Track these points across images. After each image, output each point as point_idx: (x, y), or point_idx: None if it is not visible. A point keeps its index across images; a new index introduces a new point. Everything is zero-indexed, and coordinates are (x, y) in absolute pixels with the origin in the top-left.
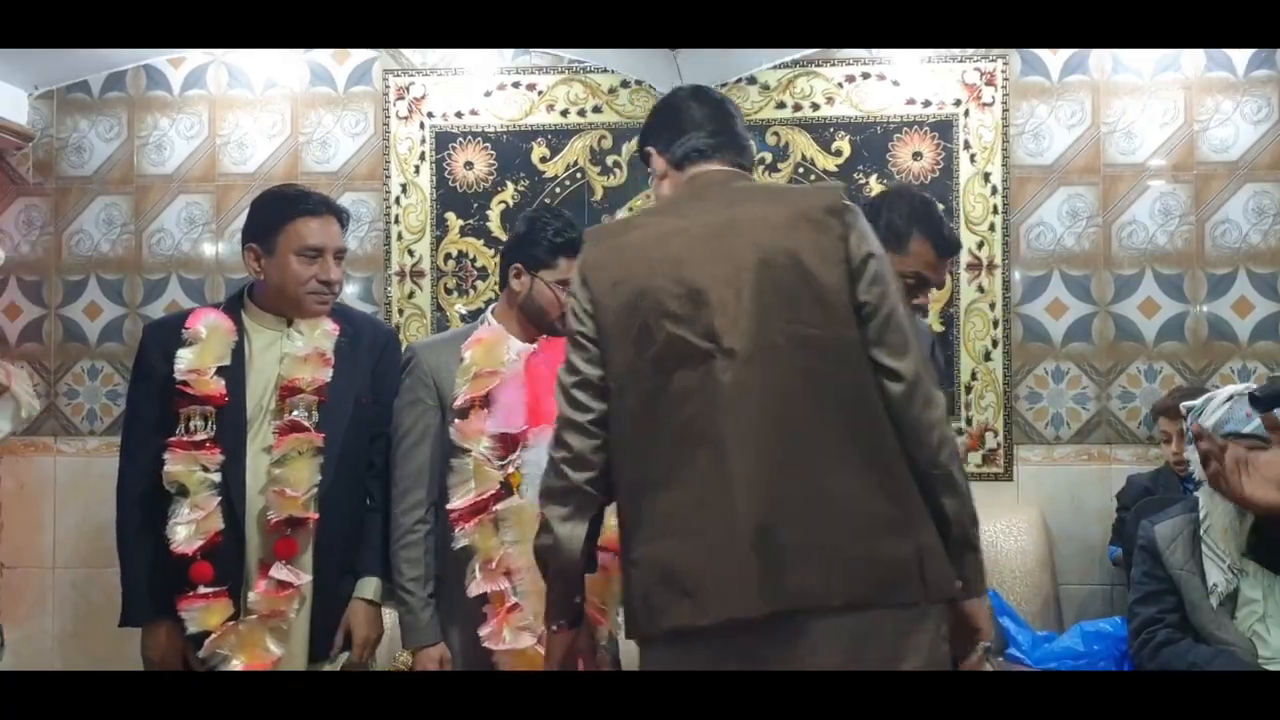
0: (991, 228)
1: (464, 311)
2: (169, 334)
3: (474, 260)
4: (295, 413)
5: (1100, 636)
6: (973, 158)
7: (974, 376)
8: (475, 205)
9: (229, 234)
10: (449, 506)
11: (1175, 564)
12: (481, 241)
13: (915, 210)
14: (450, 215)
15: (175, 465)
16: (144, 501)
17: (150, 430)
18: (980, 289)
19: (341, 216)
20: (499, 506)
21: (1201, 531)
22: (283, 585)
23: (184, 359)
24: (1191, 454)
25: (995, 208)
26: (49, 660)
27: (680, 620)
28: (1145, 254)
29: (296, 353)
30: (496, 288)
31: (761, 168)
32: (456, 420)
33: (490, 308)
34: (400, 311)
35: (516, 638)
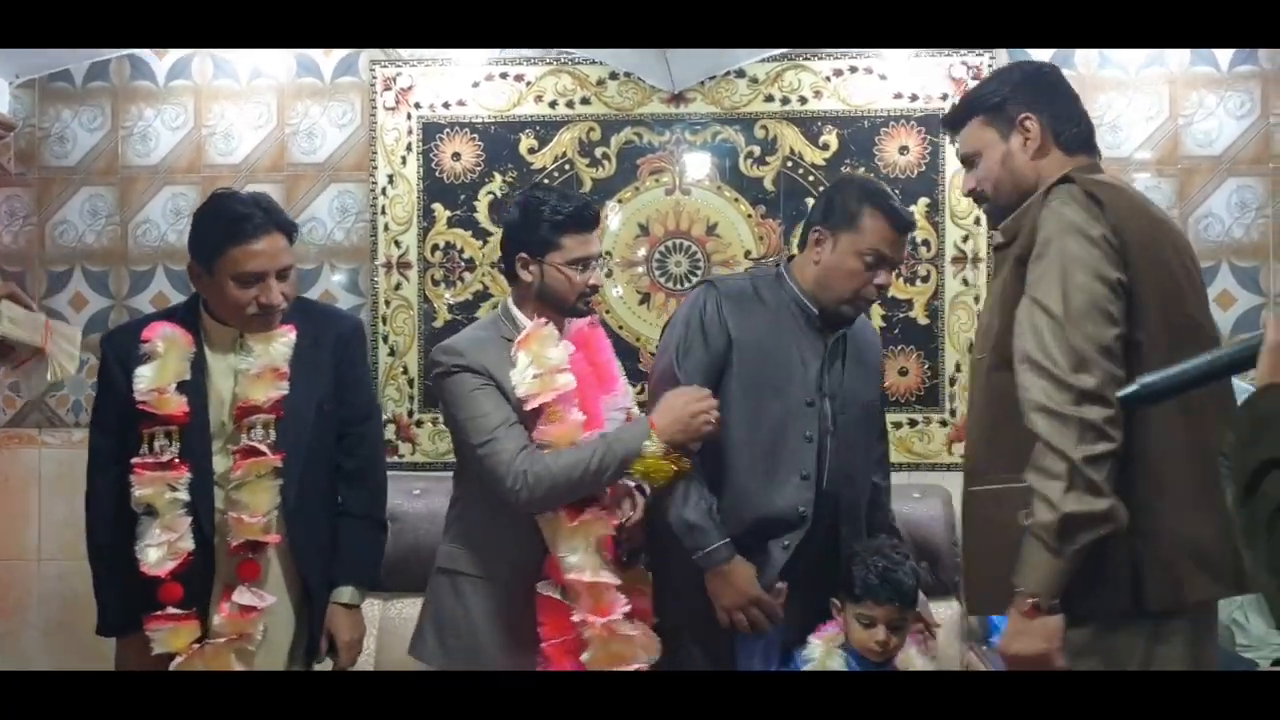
0: (976, 221)
1: (451, 302)
2: (126, 345)
3: (461, 251)
4: (252, 433)
5: None
6: (958, 152)
7: (959, 369)
8: (463, 196)
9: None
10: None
11: None
12: (469, 233)
13: (864, 189)
14: (438, 206)
15: (144, 488)
16: (114, 512)
17: (115, 444)
18: (965, 282)
19: (289, 231)
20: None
21: None
22: (246, 609)
23: (143, 377)
24: None
25: None
26: (35, 653)
27: (1203, 594)
28: None
29: (250, 370)
30: (484, 280)
31: (750, 161)
32: (539, 424)
33: (506, 300)
34: (387, 303)
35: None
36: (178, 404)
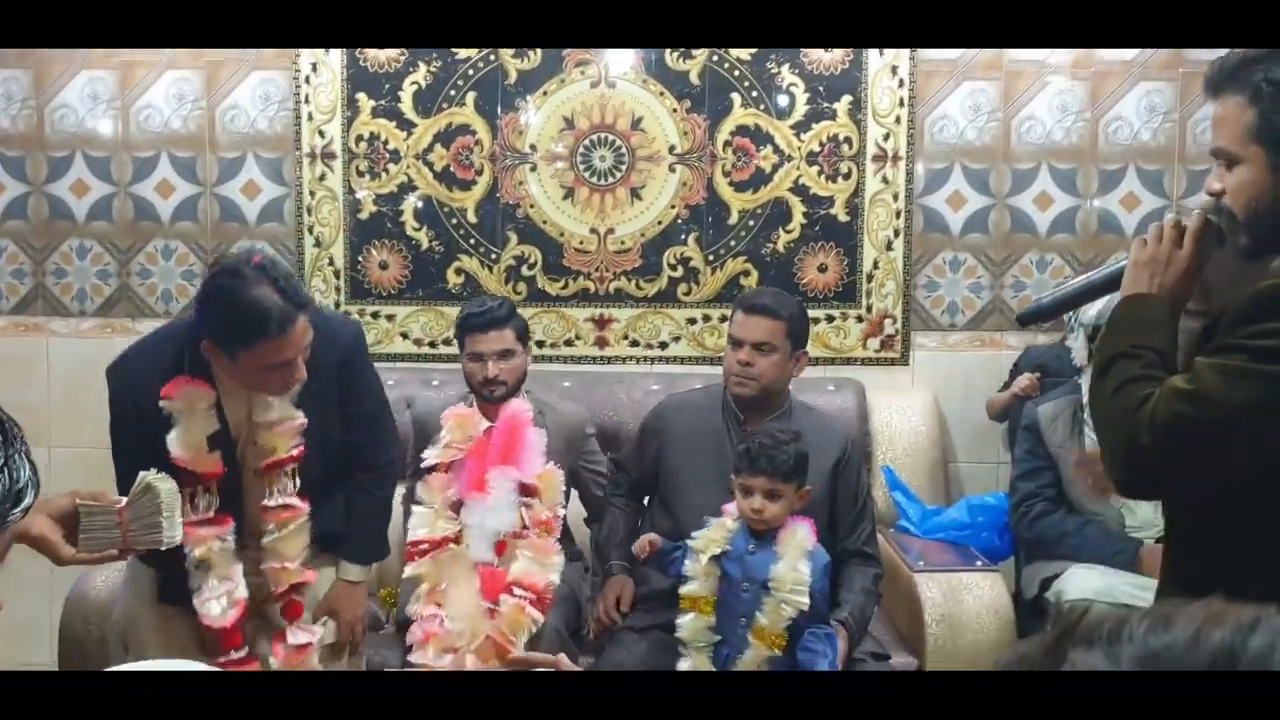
0: (897, 120)
1: (375, 195)
2: (132, 374)
3: (386, 142)
4: (281, 491)
5: (985, 509)
6: (881, 51)
7: (875, 265)
8: (387, 86)
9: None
10: (410, 539)
11: (1055, 442)
12: (394, 123)
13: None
14: (361, 96)
15: (198, 546)
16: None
17: (140, 461)
18: (884, 180)
19: (307, 307)
20: (443, 552)
21: (1085, 414)
22: (300, 647)
23: (177, 441)
24: (1074, 341)
25: (902, 100)
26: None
27: None
28: (1042, 149)
29: (270, 422)
30: (408, 172)
31: (676, 54)
32: (426, 476)
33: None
34: (312, 194)
35: (440, 657)
36: (212, 462)
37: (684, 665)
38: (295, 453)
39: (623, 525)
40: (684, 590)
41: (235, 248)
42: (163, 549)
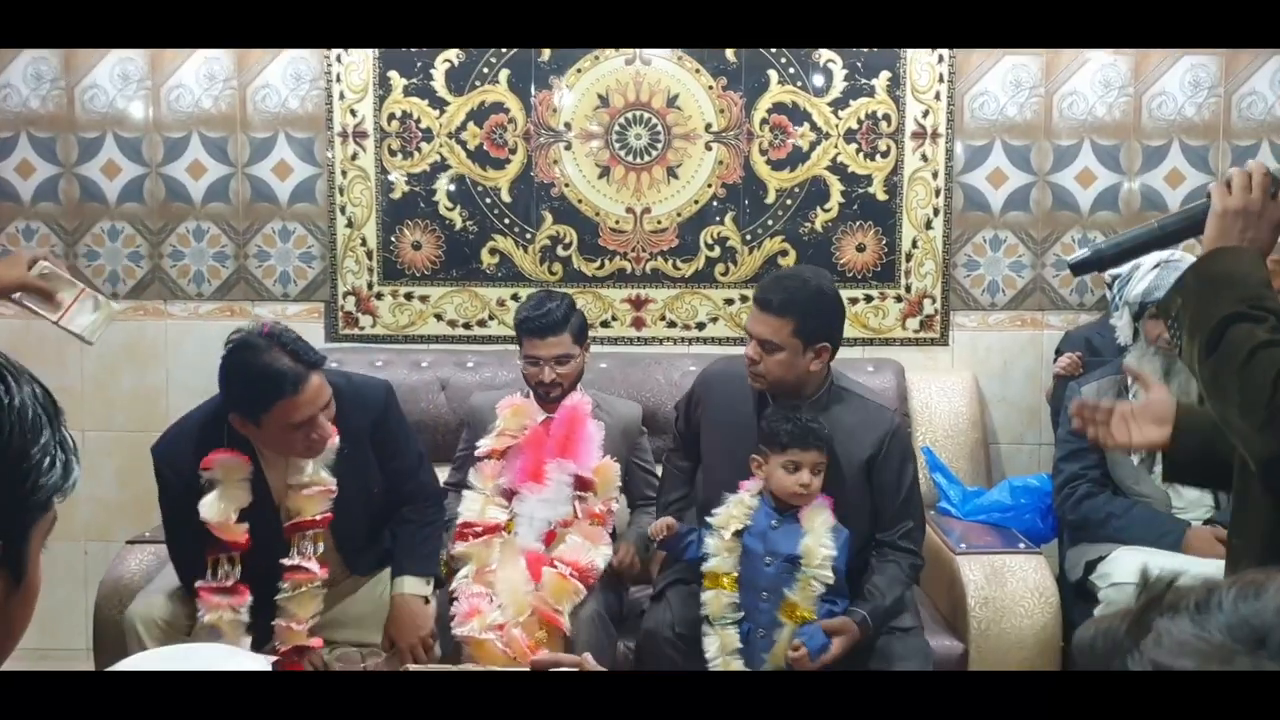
0: (937, 96)
1: (409, 173)
2: (174, 451)
3: (418, 121)
4: (301, 553)
5: (1027, 491)
6: None
7: (914, 244)
8: (419, 64)
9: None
10: (461, 521)
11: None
12: (426, 102)
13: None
14: (393, 74)
15: (210, 613)
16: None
17: (192, 534)
18: (924, 158)
19: (321, 365)
20: (494, 537)
21: (1130, 394)
22: None
23: (209, 508)
24: (1118, 320)
25: (941, 76)
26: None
27: None
28: (1084, 125)
29: (301, 485)
30: (441, 151)
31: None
32: (479, 462)
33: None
34: (344, 173)
35: (485, 632)
36: (239, 532)
37: (708, 641)
38: (320, 517)
39: (674, 484)
40: (706, 567)
41: (247, 323)
42: (95, 312)
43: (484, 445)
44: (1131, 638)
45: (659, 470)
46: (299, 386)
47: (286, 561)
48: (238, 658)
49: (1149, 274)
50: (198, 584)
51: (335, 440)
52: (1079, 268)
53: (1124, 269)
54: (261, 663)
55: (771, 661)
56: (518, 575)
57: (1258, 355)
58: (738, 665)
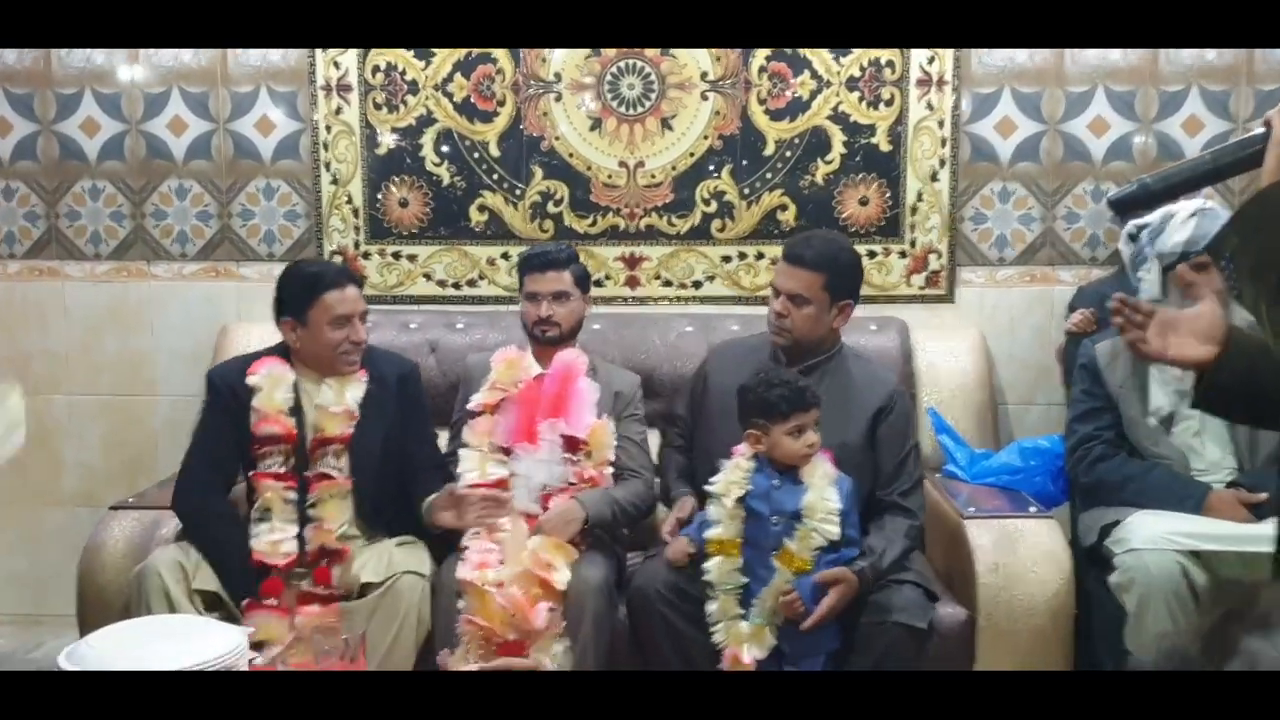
0: None
1: (393, 129)
2: (231, 377)
3: (403, 73)
4: (324, 463)
5: (1037, 452)
6: None
7: (920, 197)
8: None
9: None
10: (464, 483)
11: (1115, 381)
12: (411, 53)
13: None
14: None
15: (265, 493)
16: (211, 496)
17: (222, 446)
18: (929, 106)
19: (359, 282)
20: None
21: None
22: (325, 601)
23: (261, 398)
24: (1147, 273)
25: None
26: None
27: None
28: (1097, 71)
29: (327, 406)
30: (427, 104)
31: None
32: (473, 418)
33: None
34: (328, 128)
35: (485, 585)
36: (288, 426)
37: (711, 607)
38: (341, 433)
39: (675, 461)
40: (709, 534)
41: None
42: None
43: (476, 400)
44: (1209, 658)
45: (649, 443)
46: (343, 283)
47: (309, 474)
48: (211, 626)
49: (1188, 222)
50: (252, 473)
51: (364, 379)
52: (1123, 204)
53: (1154, 218)
54: (236, 634)
55: (763, 609)
56: (517, 533)
57: None
58: (740, 628)
